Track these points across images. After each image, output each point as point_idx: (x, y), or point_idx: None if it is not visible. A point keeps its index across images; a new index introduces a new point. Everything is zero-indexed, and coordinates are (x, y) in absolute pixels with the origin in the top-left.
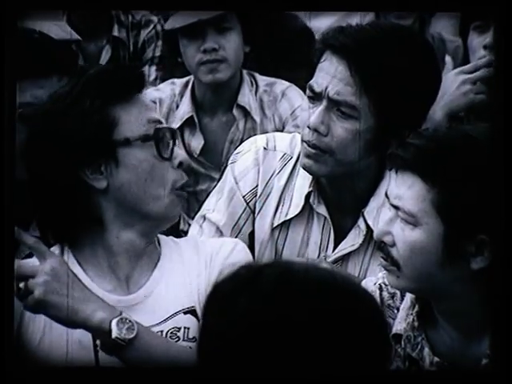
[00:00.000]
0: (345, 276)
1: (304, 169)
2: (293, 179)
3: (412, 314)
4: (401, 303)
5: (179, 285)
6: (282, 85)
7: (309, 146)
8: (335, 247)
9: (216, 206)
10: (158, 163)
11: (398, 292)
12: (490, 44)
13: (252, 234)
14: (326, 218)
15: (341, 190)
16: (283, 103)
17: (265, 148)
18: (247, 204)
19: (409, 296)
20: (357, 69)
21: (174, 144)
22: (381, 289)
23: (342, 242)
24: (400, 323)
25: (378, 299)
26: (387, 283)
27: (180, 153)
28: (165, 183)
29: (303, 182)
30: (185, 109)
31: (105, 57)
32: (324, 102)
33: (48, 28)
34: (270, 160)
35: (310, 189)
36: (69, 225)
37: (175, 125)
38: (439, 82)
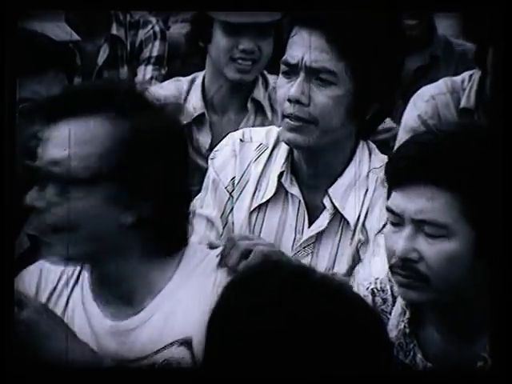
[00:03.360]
0: (355, 292)
1: (288, 144)
2: (269, 166)
3: (403, 320)
4: (393, 308)
5: (182, 310)
6: None
7: (291, 119)
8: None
9: (204, 202)
10: None
11: (390, 297)
12: None
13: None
14: (299, 199)
15: (317, 166)
16: None
17: (241, 140)
18: (230, 194)
19: (399, 303)
20: (332, 35)
21: None
22: (373, 294)
23: (314, 223)
24: (391, 331)
25: (371, 304)
26: (379, 289)
27: None
28: None
29: (278, 166)
30: (194, 105)
31: (102, 56)
32: (302, 73)
33: (48, 29)
34: (247, 150)
35: (282, 169)
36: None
37: (185, 121)
38: (406, 43)
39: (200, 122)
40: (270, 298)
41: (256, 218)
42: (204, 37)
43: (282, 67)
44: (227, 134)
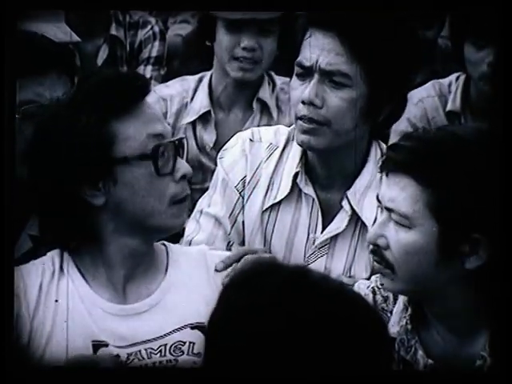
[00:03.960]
0: (353, 290)
1: (302, 145)
2: (281, 166)
3: (405, 317)
4: (394, 306)
5: (187, 297)
6: None
7: (305, 121)
8: (324, 229)
9: (211, 201)
10: (157, 179)
11: (391, 295)
12: (492, 62)
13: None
14: (313, 199)
15: (331, 167)
16: None
17: (251, 140)
18: (239, 193)
19: (401, 299)
20: (346, 37)
21: (178, 157)
22: (374, 292)
23: (330, 224)
24: (393, 327)
25: (372, 302)
26: (380, 286)
27: (183, 165)
28: (164, 198)
29: (291, 166)
30: (201, 103)
31: (102, 56)
32: (316, 76)
33: (47, 30)
34: (257, 150)
35: (298, 169)
36: (68, 236)
37: (190, 118)
38: (420, 49)
39: (206, 120)
40: (270, 298)
41: (268, 218)
42: (209, 35)
43: (296, 69)
44: (235, 134)
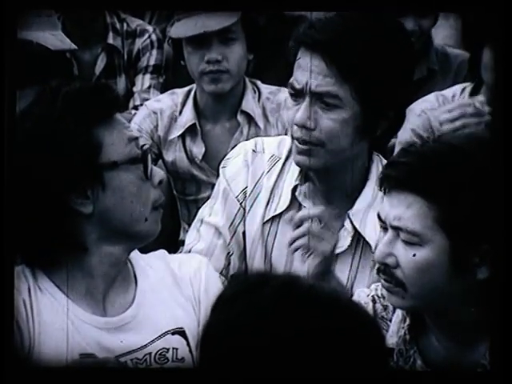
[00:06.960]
0: (348, 297)
1: (298, 165)
2: (282, 178)
3: (403, 327)
4: (393, 315)
5: (162, 304)
6: (285, 93)
7: (299, 142)
8: None
9: (213, 210)
10: (143, 184)
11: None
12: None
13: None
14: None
15: (330, 184)
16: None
17: (253, 150)
18: (240, 204)
19: (400, 309)
20: (331, 59)
21: (152, 162)
22: (374, 301)
23: None
24: (392, 337)
25: (371, 311)
26: (380, 295)
27: (158, 171)
28: (148, 204)
29: (292, 178)
30: (187, 116)
31: (99, 65)
32: (307, 98)
33: (44, 38)
34: (259, 161)
35: (297, 182)
36: (48, 250)
37: (177, 132)
38: (413, 60)
39: (194, 133)
40: (263, 311)
41: (269, 230)
42: (181, 56)
43: (289, 90)
44: (239, 143)
